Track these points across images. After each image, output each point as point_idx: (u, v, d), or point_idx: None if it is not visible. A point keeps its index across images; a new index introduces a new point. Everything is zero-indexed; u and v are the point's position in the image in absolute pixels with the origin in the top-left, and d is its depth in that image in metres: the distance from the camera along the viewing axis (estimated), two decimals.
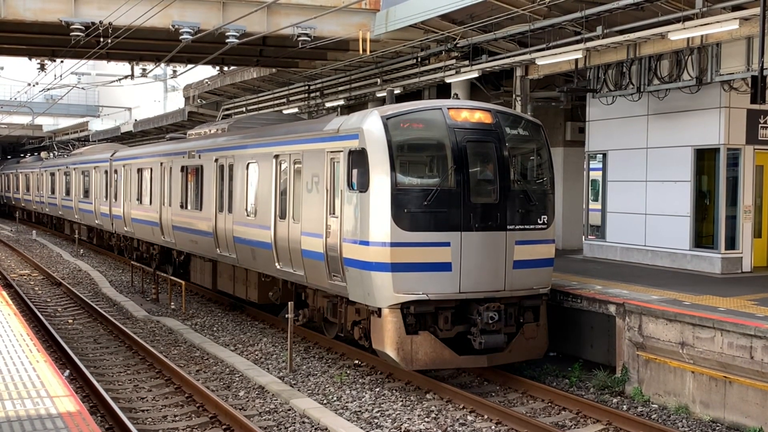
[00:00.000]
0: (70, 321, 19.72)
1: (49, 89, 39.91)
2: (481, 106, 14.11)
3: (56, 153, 53.59)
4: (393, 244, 12.77)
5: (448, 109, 13.51)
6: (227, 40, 20.75)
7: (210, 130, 22.22)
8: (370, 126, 13.17)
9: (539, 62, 18.99)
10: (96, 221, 33.58)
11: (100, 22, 20.32)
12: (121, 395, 13.23)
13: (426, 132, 13.47)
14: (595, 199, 21.68)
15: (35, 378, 9.79)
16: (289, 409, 12.31)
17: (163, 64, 29.86)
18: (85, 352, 16.39)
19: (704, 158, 18.47)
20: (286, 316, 15.08)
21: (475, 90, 23.08)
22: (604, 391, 13.63)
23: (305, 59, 26.50)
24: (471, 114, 13.58)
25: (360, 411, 12.42)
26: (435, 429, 11.70)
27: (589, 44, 17.56)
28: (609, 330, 14.24)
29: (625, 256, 19.97)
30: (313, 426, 11.56)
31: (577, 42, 17.96)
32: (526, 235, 13.66)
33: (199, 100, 40.26)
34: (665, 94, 18.68)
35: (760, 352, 11.48)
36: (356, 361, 15.25)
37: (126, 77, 29.11)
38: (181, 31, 20.53)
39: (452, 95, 22.66)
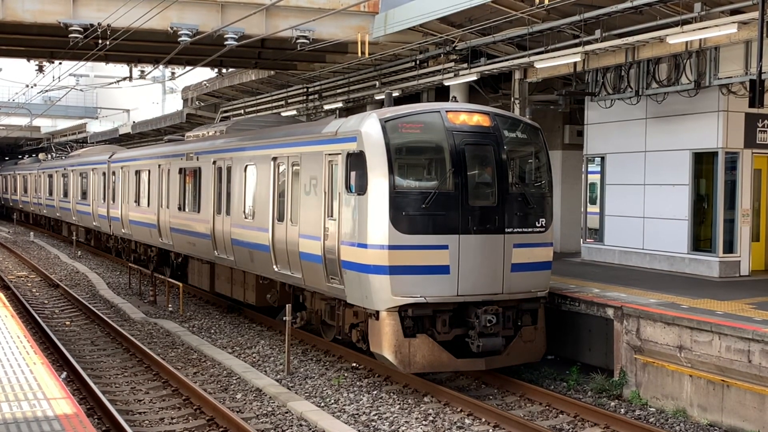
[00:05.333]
0: (68, 323, 19.69)
1: (47, 91, 39.85)
2: (479, 109, 14.11)
3: (54, 154, 53.60)
4: (391, 247, 12.76)
5: (447, 111, 13.50)
6: (226, 42, 20.74)
7: (208, 132, 22.21)
8: (369, 128, 13.16)
9: (538, 65, 19.00)
10: (94, 223, 33.56)
11: (99, 24, 20.31)
12: (118, 397, 13.20)
13: (424, 135, 13.46)
14: (594, 203, 21.68)
15: (32, 380, 9.77)
16: (287, 412, 12.30)
17: (161, 66, 29.83)
18: (82, 354, 16.36)
19: (702, 162, 18.47)
20: (284, 318, 15.07)
21: (474, 93, 23.08)
22: (602, 395, 13.62)
23: (304, 61, 26.50)
24: (469, 117, 13.58)
25: (357, 414, 12.40)
26: None
27: (588, 47, 17.57)
28: (607, 333, 14.23)
29: (624, 260, 19.97)
30: (310, 429, 11.54)
31: (576, 45, 17.98)
32: (525, 238, 13.66)
33: (197, 102, 40.25)
34: (664, 97, 18.69)
35: (758, 356, 11.48)
36: (354, 364, 15.23)
37: (124, 79, 29.12)
38: (179, 33, 20.52)
39: (451, 98, 22.74)
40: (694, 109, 18.19)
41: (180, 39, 20.58)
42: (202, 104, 40.14)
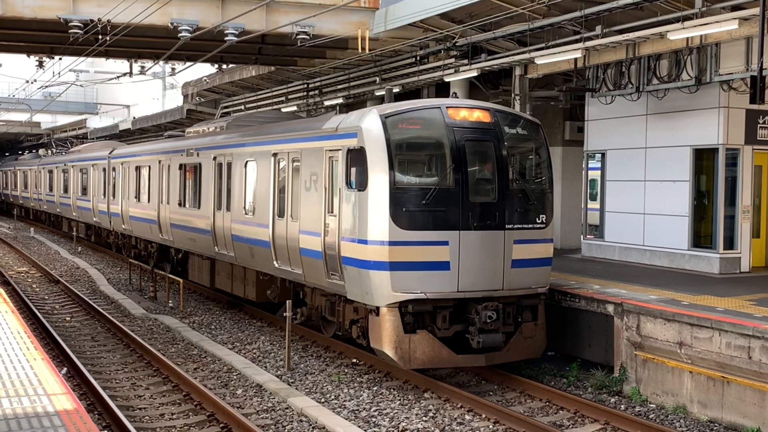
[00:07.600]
0: (68, 319, 19.70)
1: (47, 86, 39.86)
2: (479, 105, 14.10)
3: (54, 150, 53.57)
4: (391, 243, 12.76)
5: (447, 108, 13.50)
6: (226, 38, 20.72)
7: (208, 128, 22.21)
8: (369, 125, 13.15)
9: (538, 61, 18.98)
10: (94, 219, 33.56)
11: (99, 20, 20.29)
12: (118, 393, 13.21)
13: (425, 131, 13.46)
14: (594, 199, 21.67)
15: (32, 376, 9.78)
16: (287, 408, 12.31)
17: (161, 62, 29.80)
18: (82, 349, 16.37)
19: (703, 158, 18.46)
20: (284, 314, 15.07)
21: (474, 89, 23.07)
22: (602, 391, 13.64)
23: (304, 57, 26.49)
24: (470, 113, 13.58)
25: (358, 410, 12.41)
26: (433, 428, 11.69)
27: (589, 44, 17.54)
28: (607, 329, 14.24)
29: (624, 256, 19.96)
30: (310, 424, 11.55)
31: (577, 41, 17.95)
32: (525, 235, 13.66)
33: (197, 98, 40.22)
34: (664, 93, 18.67)
35: (758, 352, 11.48)
36: (354, 360, 15.24)
37: (124, 75, 29.08)
38: (179, 28, 20.49)
39: (451, 94, 22.64)
40: (694, 105, 18.18)
41: (180, 35, 20.55)
42: (203, 100, 40.11)
